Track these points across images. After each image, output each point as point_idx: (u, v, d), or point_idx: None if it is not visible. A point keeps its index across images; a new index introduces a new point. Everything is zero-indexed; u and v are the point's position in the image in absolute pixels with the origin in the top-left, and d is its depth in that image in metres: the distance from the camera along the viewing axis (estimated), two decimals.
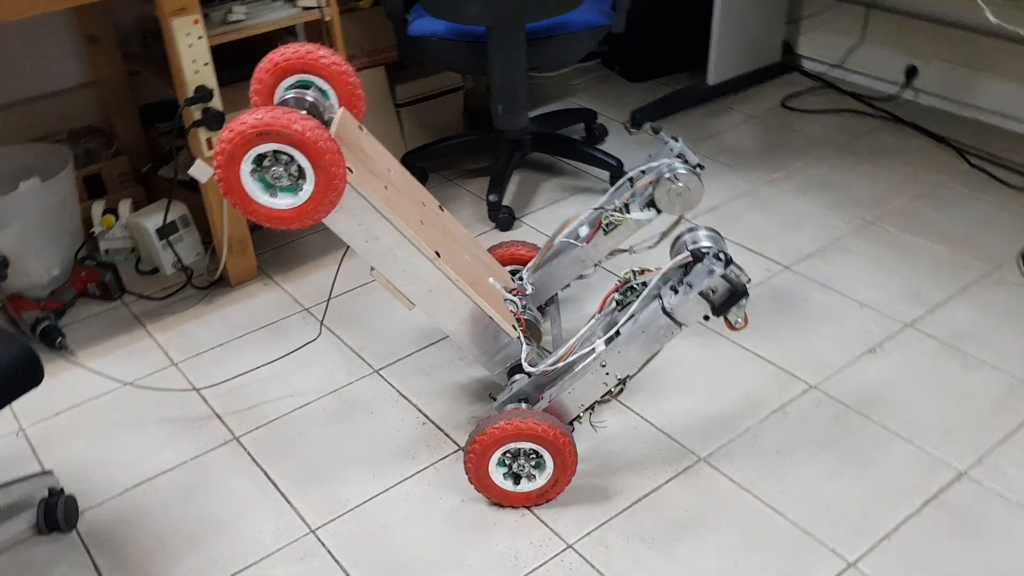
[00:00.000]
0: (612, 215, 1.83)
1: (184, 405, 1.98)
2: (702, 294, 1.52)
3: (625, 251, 1.91)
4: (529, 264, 1.94)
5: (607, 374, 1.61)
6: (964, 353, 1.96)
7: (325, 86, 1.67)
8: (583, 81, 3.33)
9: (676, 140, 1.86)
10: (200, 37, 2.04)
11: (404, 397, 1.97)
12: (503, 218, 2.48)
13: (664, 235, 1.86)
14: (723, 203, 2.55)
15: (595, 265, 1.91)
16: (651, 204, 1.82)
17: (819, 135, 2.85)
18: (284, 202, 1.48)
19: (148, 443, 1.89)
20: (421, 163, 2.72)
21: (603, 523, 1.65)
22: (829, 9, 3.12)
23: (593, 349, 1.61)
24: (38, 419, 1.97)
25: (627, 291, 1.64)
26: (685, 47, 3.20)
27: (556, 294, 1.96)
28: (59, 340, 2.15)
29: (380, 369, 2.05)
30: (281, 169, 1.46)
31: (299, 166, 1.45)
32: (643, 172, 1.85)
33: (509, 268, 2.02)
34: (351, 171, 1.53)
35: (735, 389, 1.92)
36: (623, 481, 1.73)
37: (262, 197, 1.48)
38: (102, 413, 1.97)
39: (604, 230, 1.84)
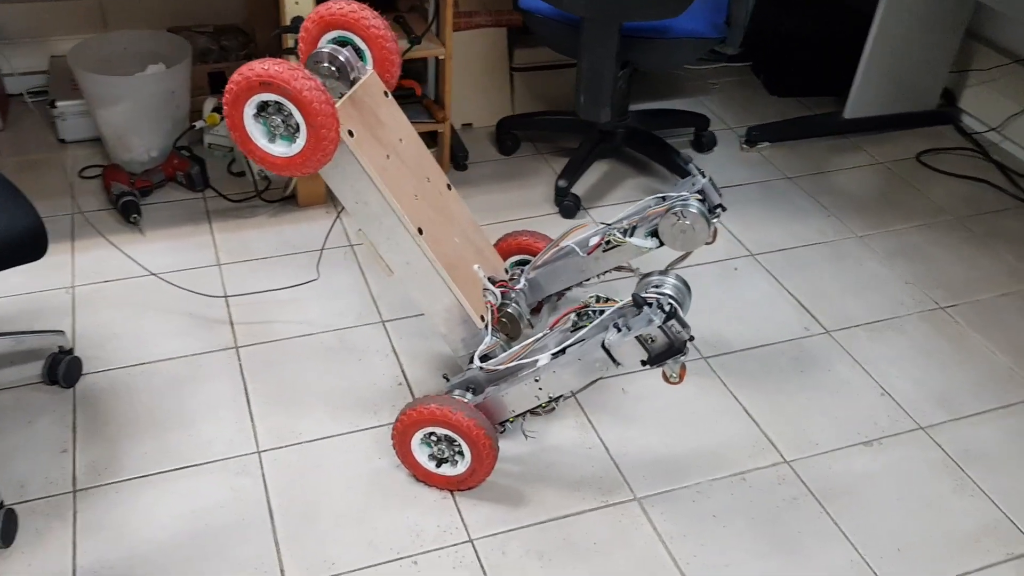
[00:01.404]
0: (614, 235, 1.80)
1: (208, 305, 2.14)
2: (640, 340, 1.49)
3: (632, 271, 1.89)
4: (533, 260, 1.95)
5: (540, 389, 1.62)
6: (963, 475, 1.81)
7: (363, 46, 1.72)
8: (721, 82, 3.21)
9: (703, 175, 1.80)
10: None
11: (395, 353, 2.04)
12: (567, 205, 2.47)
13: (670, 266, 1.83)
14: (799, 246, 2.43)
15: (597, 277, 1.90)
16: (656, 233, 1.78)
17: (941, 201, 2.64)
18: (279, 149, 1.56)
19: (164, 329, 2.07)
20: (516, 130, 2.75)
21: (511, 529, 1.68)
22: (1001, 66, 2.84)
23: (535, 361, 1.62)
24: (89, 281, 2.20)
25: (584, 315, 1.63)
26: (838, 68, 3.00)
27: (552, 295, 1.96)
28: (133, 216, 2.36)
29: (387, 321, 2.13)
30: (279, 119, 1.53)
31: (296, 120, 1.52)
32: (662, 199, 1.81)
33: (519, 259, 2.03)
34: (351, 134, 1.59)
35: (707, 439, 1.87)
36: (551, 495, 1.74)
37: (261, 140, 1.56)
38: (140, 291, 2.17)
39: (603, 247, 1.82)
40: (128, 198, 2.39)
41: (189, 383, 1.95)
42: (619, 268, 1.92)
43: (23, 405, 1.87)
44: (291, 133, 1.55)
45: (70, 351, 1.94)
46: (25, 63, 2.86)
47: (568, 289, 1.98)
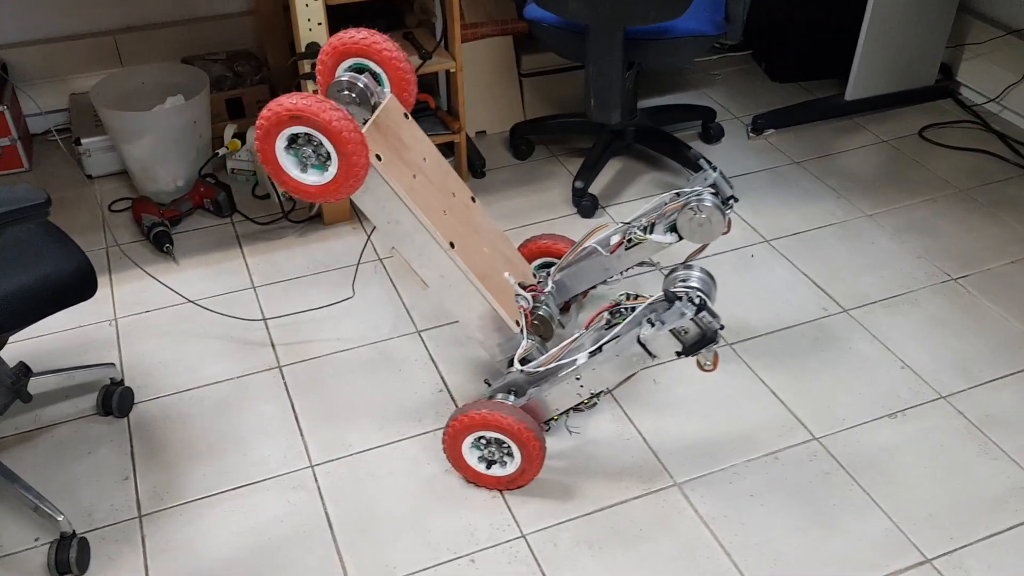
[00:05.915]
0: (634, 233, 1.88)
1: (247, 328, 2.23)
2: (674, 332, 1.57)
3: (653, 266, 1.96)
4: (558, 262, 2.02)
5: (581, 387, 1.70)
6: (987, 439, 1.89)
7: (380, 71, 1.80)
8: (723, 72, 3.28)
9: (714, 169, 1.88)
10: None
11: (433, 361, 2.13)
12: (585, 205, 2.55)
13: (689, 259, 1.91)
14: (811, 229, 2.51)
15: (620, 274, 1.97)
16: (675, 228, 1.85)
17: (946, 174, 2.71)
18: (311, 179, 1.63)
19: (208, 354, 2.15)
20: (529, 135, 2.82)
21: (560, 522, 1.76)
22: (996, 38, 2.91)
23: (575, 360, 1.70)
24: (130, 312, 2.28)
25: (616, 312, 1.71)
26: (838, 52, 3.06)
27: (579, 295, 2.04)
28: (166, 246, 2.45)
29: (422, 331, 2.21)
30: (310, 150, 1.61)
31: (326, 150, 1.60)
32: (677, 195, 1.89)
33: (542, 261, 2.11)
34: (379, 158, 1.67)
35: (738, 423, 1.95)
36: (595, 487, 1.82)
37: (293, 171, 1.63)
38: (180, 319, 2.25)
39: (625, 245, 1.90)
40: (160, 228, 2.47)
41: (237, 405, 2.03)
42: (642, 264, 2.00)
43: (82, 437, 1.96)
44: (322, 162, 1.62)
45: (121, 382, 2.02)
46: (46, 102, 2.95)
47: (593, 287, 2.06)
